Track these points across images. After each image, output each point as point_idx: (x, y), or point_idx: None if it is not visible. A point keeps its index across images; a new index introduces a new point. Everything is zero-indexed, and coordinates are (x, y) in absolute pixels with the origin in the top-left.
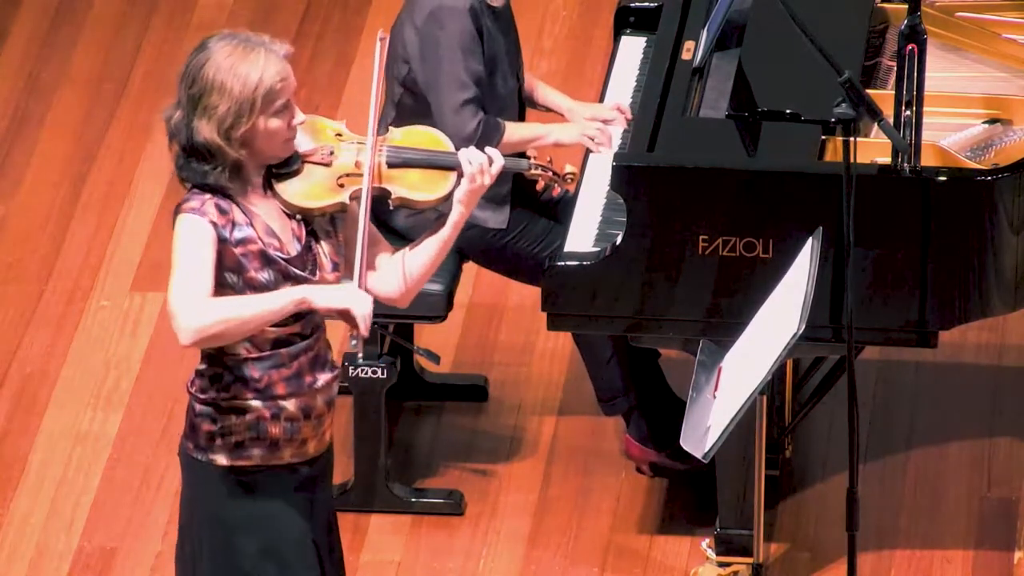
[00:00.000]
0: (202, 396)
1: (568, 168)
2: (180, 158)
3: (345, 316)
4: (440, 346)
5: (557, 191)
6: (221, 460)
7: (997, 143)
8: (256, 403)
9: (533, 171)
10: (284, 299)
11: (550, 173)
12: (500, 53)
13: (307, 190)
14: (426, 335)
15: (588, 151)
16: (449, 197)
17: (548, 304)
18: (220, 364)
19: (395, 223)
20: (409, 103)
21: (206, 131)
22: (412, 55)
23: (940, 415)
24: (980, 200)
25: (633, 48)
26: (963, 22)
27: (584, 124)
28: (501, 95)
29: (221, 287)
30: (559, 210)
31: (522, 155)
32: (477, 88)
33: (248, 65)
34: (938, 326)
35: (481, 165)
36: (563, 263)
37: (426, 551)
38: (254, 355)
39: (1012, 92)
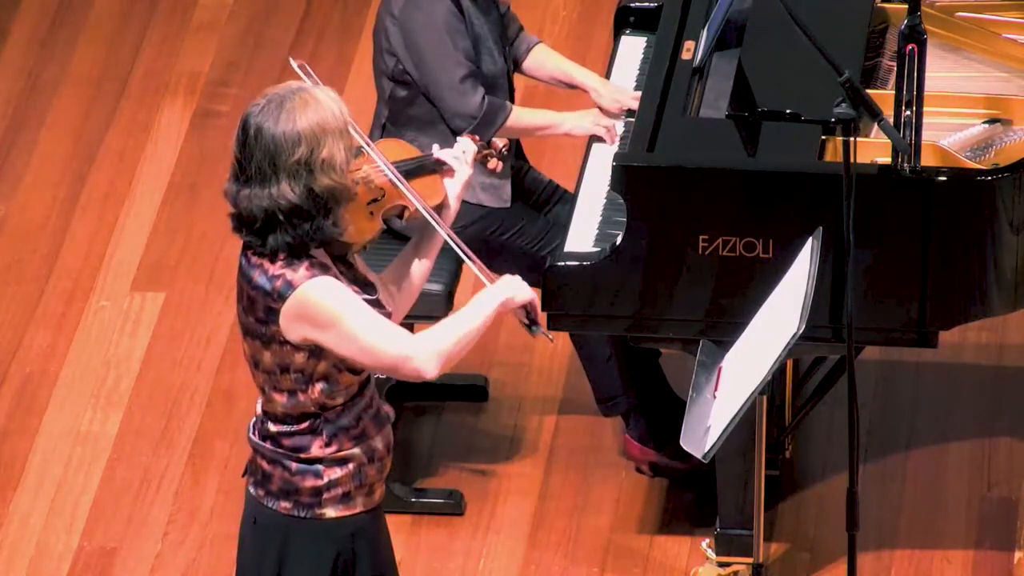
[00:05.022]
0: (302, 455)
1: (499, 142)
2: (288, 228)
3: (528, 305)
4: None
5: (500, 166)
6: (329, 514)
7: (997, 143)
8: (356, 450)
9: (481, 153)
10: (491, 305)
11: (489, 151)
12: (483, 33)
13: (356, 227)
14: None
15: (588, 148)
16: (446, 196)
17: (548, 304)
18: (317, 419)
19: (393, 224)
20: (402, 95)
21: (327, 180)
22: (396, 46)
23: (940, 415)
24: (980, 200)
25: (633, 48)
26: (963, 22)
27: (598, 115)
28: (491, 74)
29: (321, 357)
30: (558, 209)
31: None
32: (471, 64)
33: (324, 103)
34: (938, 326)
35: (459, 154)
36: (563, 263)
37: (426, 551)
38: (350, 401)
39: (1012, 92)
